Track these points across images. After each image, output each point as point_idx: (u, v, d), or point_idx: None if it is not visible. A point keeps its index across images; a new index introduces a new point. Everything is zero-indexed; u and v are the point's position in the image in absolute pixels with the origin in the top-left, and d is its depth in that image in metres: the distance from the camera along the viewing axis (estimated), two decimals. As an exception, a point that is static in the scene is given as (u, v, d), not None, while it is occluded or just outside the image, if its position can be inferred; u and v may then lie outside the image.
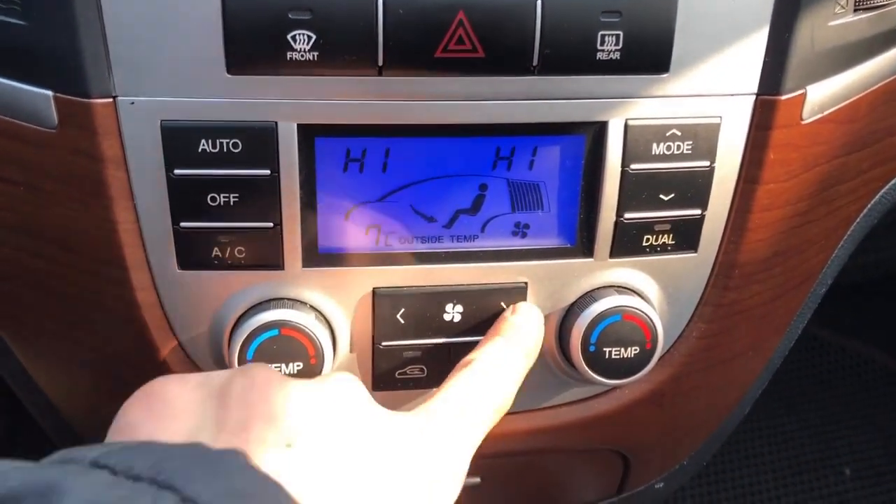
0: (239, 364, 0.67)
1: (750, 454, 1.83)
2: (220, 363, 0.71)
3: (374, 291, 0.70)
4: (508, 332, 0.69)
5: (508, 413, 0.77)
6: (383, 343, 0.71)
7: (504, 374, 0.65)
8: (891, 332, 1.91)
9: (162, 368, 0.71)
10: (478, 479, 0.85)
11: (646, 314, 0.71)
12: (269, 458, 0.49)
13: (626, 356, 0.72)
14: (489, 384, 0.63)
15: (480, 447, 0.79)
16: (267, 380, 0.54)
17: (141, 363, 0.71)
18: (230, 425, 0.51)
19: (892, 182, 0.88)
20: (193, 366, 0.71)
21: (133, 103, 0.61)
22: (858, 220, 0.87)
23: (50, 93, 0.61)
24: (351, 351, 0.72)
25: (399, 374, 0.73)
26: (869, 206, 0.87)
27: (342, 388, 0.55)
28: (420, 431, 0.57)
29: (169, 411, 0.53)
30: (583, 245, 0.71)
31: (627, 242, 0.71)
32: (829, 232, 0.83)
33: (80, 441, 0.88)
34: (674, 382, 0.79)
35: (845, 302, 1.80)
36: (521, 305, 0.71)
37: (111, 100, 0.61)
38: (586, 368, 0.72)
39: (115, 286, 0.67)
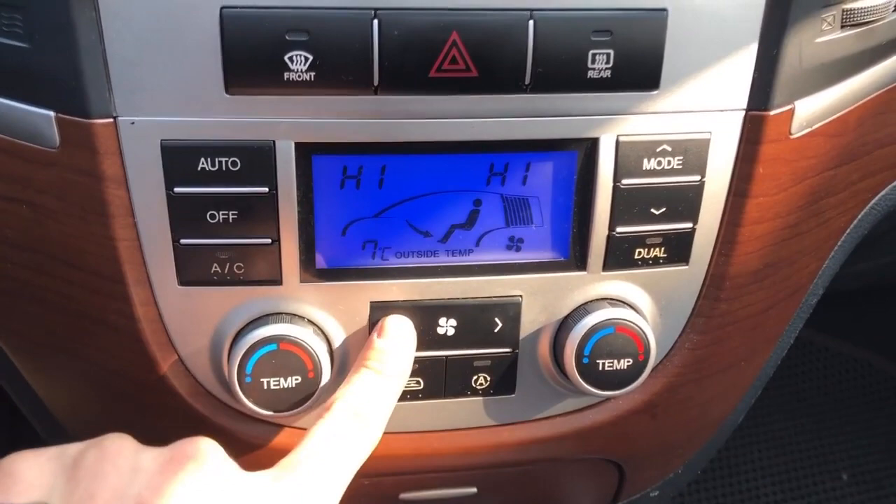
0: (238, 379, 0.68)
1: (748, 459, 1.83)
2: (221, 377, 0.72)
3: (371, 305, 0.71)
4: (376, 361, 0.67)
5: (503, 424, 0.79)
6: (380, 356, 0.72)
7: (372, 412, 0.64)
8: (889, 337, 1.92)
9: (162, 382, 0.72)
10: (474, 489, 0.86)
11: (638, 326, 0.72)
12: None
13: (619, 368, 0.73)
14: (355, 428, 0.63)
15: (475, 458, 0.80)
16: (118, 451, 0.55)
17: (141, 377, 0.72)
18: (77, 497, 0.52)
19: (882, 193, 0.89)
20: (193, 380, 0.72)
21: (133, 123, 0.63)
22: (849, 230, 0.88)
23: (52, 113, 0.62)
24: (349, 364, 0.73)
25: (396, 386, 0.74)
26: (859, 216, 0.88)
27: (193, 454, 0.56)
28: (274, 487, 0.57)
29: (19, 486, 0.53)
30: (576, 259, 0.73)
31: (620, 256, 0.72)
32: (820, 243, 0.84)
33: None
34: (667, 393, 0.80)
35: (843, 307, 1.81)
36: (388, 325, 0.70)
37: (112, 120, 0.62)
38: (580, 380, 0.73)
39: (115, 301, 0.68)
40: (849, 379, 1.95)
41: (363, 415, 0.64)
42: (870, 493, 1.78)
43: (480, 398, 0.77)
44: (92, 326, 0.71)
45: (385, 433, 0.77)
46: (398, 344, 0.69)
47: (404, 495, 0.85)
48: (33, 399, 0.82)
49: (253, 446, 0.76)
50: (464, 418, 0.78)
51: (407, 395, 0.75)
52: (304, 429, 0.75)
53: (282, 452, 0.76)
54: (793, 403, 1.92)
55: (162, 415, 0.74)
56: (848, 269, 0.98)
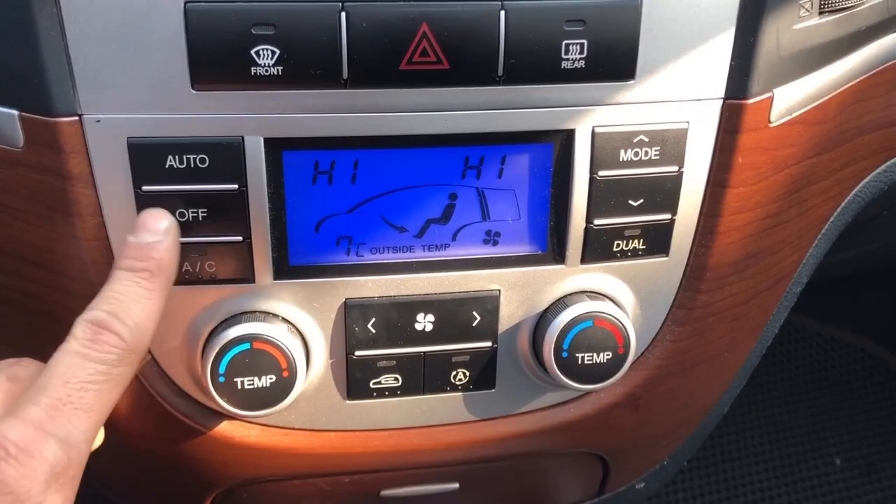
0: (212, 378, 0.67)
1: (741, 446, 1.83)
2: (195, 377, 0.71)
3: (346, 302, 0.70)
4: (128, 259, 0.61)
5: (484, 419, 0.78)
6: (356, 353, 0.71)
7: (128, 315, 0.58)
8: (881, 322, 1.91)
9: (137, 383, 0.71)
10: (456, 485, 0.85)
11: (617, 319, 0.72)
12: None
13: (598, 361, 0.72)
14: (107, 340, 0.57)
15: (457, 454, 0.79)
16: None
17: (116, 378, 0.71)
18: None
19: (865, 180, 0.88)
20: (168, 379, 0.72)
21: (99, 121, 0.61)
22: (832, 219, 0.87)
23: (15, 112, 0.61)
24: (324, 362, 0.72)
25: (374, 383, 0.73)
26: (842, 204, 0.87)
27: None
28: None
29: None
30: (554, 251, 0.72)
31: (598, 248, 0.71)
32: (803, 232, 0.83)
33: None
34: (649, 386, 0.79)
35: (836, 292, 1.81)
36: (140, 219, 0.63)
37: (77, 118, 0.61)
38: (559, 374, 0.72)
39: (85, 303, 0.67)
40: (842, 364, 1.95)
41: (114, 322, 0.58)
42: (862, 477, 1.78)
43: (460, 393, 0.76)
44: (65, 328, 0.70)
45: (364, 430, 0.77)
46: (153, 236, 0.62)
47: (385, 492, 0.84)
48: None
49: (231, 445, 0.75)
50: (444, 414, 0.77)
51: (385, 392, 0.74)
52: (283, 427, 0.75)
53: (260, 450, 0.76)
54: (786, 389, 1.92)
55: (137, 415, 0.74)
56: (835, 257, 0.97)
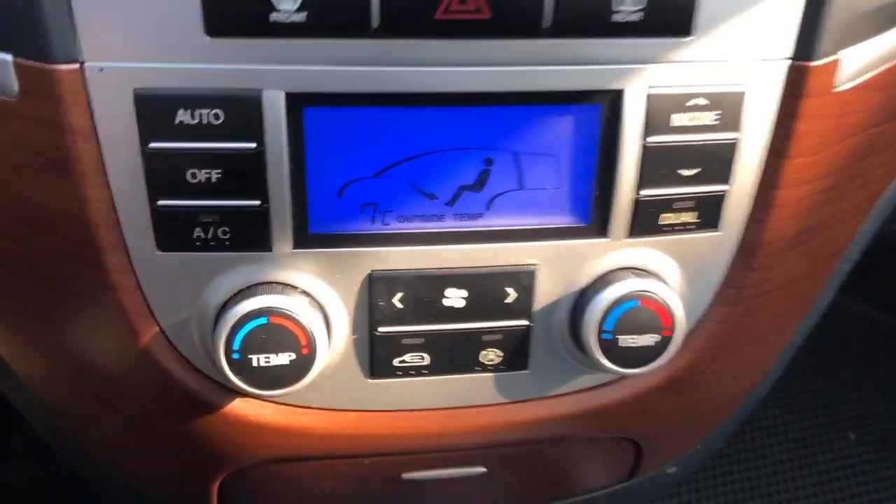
0: (225, 355, 0.62)
1: (757, 417, 1.81)
2: (207, 351, 0.67)
3: (371, 275, 0.65)
4: None
5: (515, 402, 0.74)
6: (380, 329, 0.67)
7: None
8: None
9: (144, 356, 0.67)
10: (482, 469, 0.81)
11: (665, 300, 0.67)
12: None
13: (643, 344, 0.68)
14: None
15: (485, 437, 0.75)
16: None
17: (121, 351, 0.67)
18: None
19: (926, 152, 0.83)
20: (177, 354, 0.67)
21: (102, 70, 0.56)
22: (888, 192, 0.82)
23: (9, 57, 0.56)
24: (347, 338, 0.68)
25: (398, 361, 0.69)
26: (900, 176, 0.82)
27: None
28: None
29: None
30: (597, 224, 0.67)
31: (645, 221, 0.67)
32: (860, 206, 0.79)
33: (69, 441, 0.83)
34: (693, 369, 0.76)
35: (860, 266, 1.77)
36: None
37: (78, 66, 0.56)
38: (600, 357, 0.68)
39: (89, 268, 0.63)
40: (863, 338, 1.93)
41: None
42: (878, 452, 1.78)
43: (491, 374, 0.72)
44: (67, 295, 0.66)
45: (387, 411, 0.73)
46: None
47: (406, 475, 0.80)
48: (15, 382, 0.77)
49: (244, 424, 0.71)
50: (473, 395, 0.73)
51: (411, 371, 0.70)
52: (301, 406, 0.71)
53: (276, 430, 0.72)
54: (806, 361, 1.89)
55: (145, 390, 0.70)
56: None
